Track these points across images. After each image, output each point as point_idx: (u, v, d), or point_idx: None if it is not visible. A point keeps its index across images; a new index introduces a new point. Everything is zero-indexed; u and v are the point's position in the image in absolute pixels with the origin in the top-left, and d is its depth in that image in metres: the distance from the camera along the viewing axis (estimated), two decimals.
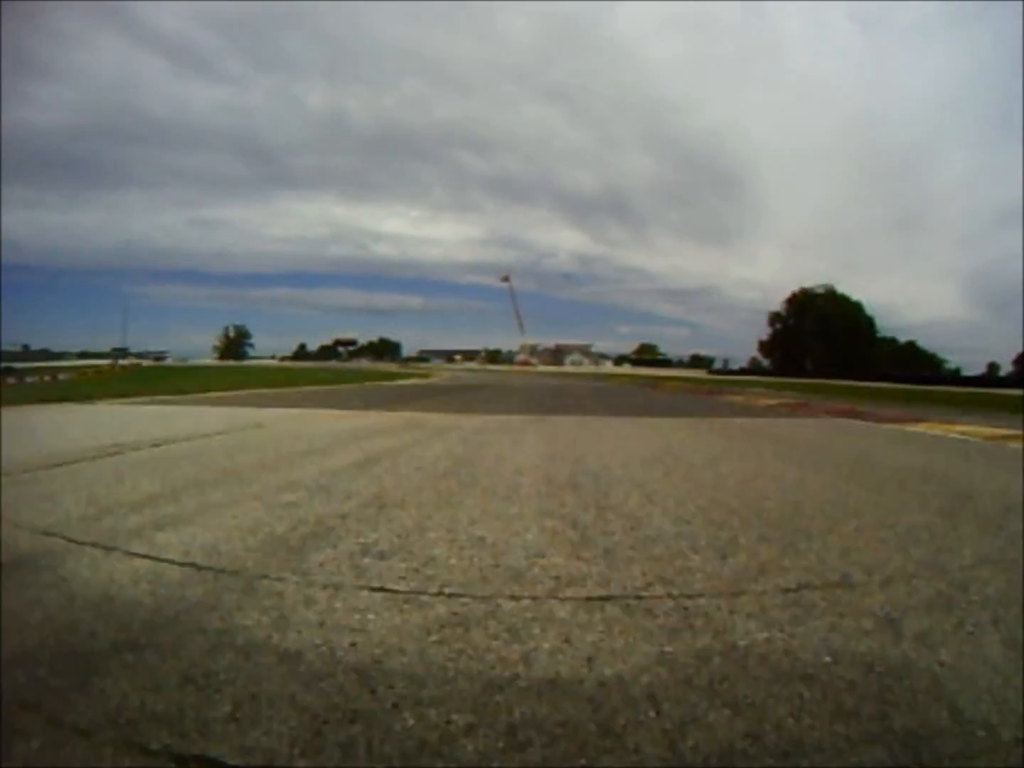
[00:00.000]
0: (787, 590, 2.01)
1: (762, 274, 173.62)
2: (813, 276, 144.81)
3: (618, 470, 4.25)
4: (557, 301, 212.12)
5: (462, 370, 59.38)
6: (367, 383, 22.63)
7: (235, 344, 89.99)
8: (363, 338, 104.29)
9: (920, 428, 8.31)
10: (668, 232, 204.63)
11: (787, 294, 64.78)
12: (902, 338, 62.91)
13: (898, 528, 2.82)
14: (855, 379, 41.66)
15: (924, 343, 72.25)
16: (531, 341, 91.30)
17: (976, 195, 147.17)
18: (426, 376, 34.33)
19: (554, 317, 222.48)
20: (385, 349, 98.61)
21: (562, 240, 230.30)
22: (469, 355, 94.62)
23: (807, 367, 56.75)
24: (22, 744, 1.16)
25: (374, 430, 6.70)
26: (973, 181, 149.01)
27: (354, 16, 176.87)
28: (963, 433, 7.56)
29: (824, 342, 56.37)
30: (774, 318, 65.07)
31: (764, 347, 69.29)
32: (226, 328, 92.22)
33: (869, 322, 60.12)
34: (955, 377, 50.95)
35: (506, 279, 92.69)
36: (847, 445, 6.41)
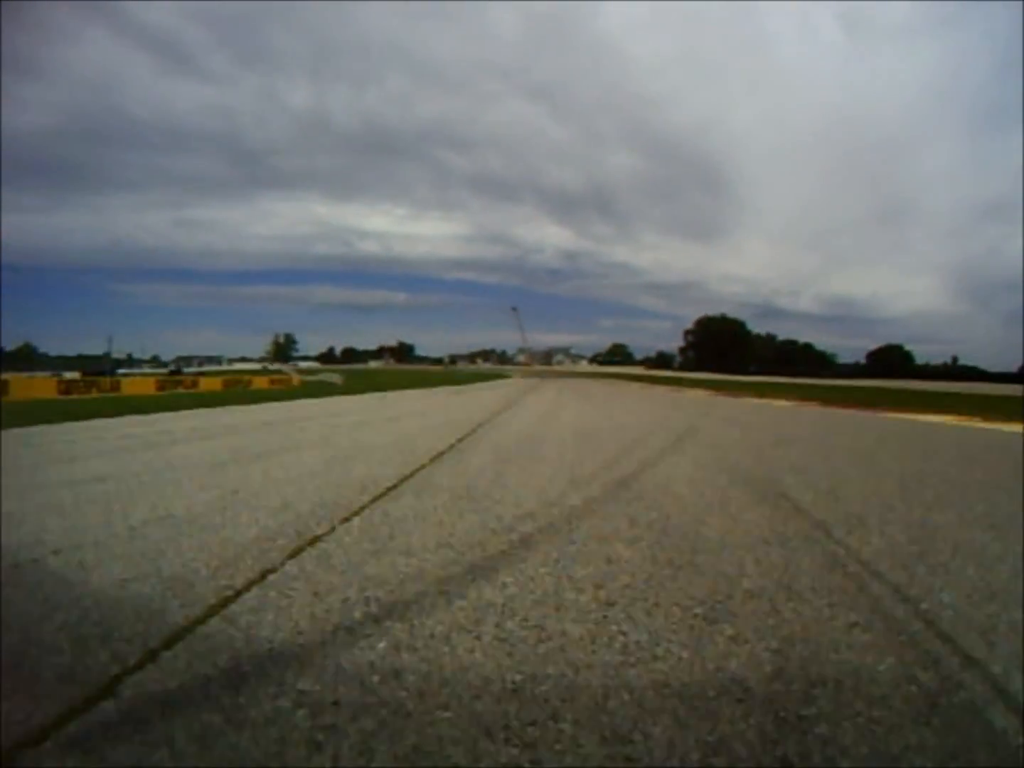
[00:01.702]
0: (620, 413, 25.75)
1: (746, 268, 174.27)
2: (797, 269, 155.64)
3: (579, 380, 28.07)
4: (542, 296, 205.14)
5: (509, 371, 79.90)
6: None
7: (284, 349, 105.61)
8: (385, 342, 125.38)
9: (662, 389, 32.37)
10: (652, 227, 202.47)
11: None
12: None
13: (630, 399, 26.61)
14: (732, 374, 67.43)
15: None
16: (528, 345, 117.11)
17: (959, 190, 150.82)
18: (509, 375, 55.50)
19: (539, 311, 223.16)
20: (404, 352, 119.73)
21: (547, 236, 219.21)
22: (485, 356, 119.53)
23: (709, 365, 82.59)
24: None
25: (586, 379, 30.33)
26: (956, 177, 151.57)
27: (339, 13, 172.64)
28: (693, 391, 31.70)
29: (717, 349, 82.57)
30: (687, 333, 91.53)
31: (682, 352, 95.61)
32: (276, 335, 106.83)
33: (748, 335, 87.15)
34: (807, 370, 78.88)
35: (514, 309, 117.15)
36: (631, 388, 30.37)
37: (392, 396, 18.83)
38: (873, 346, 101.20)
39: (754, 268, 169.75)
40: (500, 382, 33.95)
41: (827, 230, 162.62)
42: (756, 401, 18.16)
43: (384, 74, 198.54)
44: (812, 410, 14.42)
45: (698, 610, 2.08)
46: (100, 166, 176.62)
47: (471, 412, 11.93)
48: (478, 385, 30.54)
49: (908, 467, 5.36)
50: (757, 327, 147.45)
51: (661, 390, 26.34)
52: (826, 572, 2.47)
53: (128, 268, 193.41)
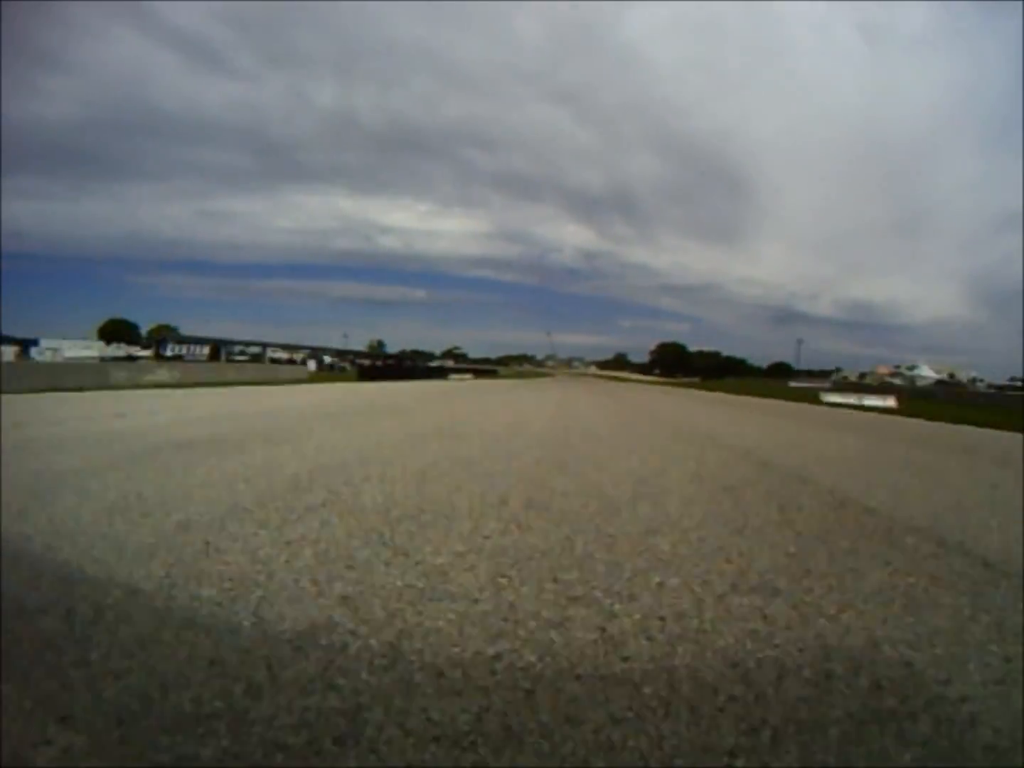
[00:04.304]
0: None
1: (764, 271, 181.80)
2: (815, 274, 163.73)
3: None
4: (561, 295, 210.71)
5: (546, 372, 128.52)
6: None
7: (377, 351, 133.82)
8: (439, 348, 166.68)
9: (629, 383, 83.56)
10: (672, 229, 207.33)
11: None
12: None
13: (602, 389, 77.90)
14: (673, 378, 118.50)
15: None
16: (555, 354, 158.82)
17: (977, 199, 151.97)
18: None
19: (558, 310, 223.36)
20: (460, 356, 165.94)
21: (567, 236, 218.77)
22: (527, 360, 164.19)
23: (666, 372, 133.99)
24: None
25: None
26: (974, 186, 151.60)
27: (366, 14, 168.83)
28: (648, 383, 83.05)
29: (669, 362, 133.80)
30: (651, 353, 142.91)
31: (650, 365, 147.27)
32: (371, 341, 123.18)
33: (687, 353, 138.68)
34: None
35: (548, 334, 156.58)
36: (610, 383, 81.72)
37: (552, 378, 69.10)
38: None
39: (773, 272, 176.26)
40: (561, 378, 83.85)
41: (846, 236, 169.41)
42: (644, 385, 68.41)
43: (410, 76, 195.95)
44: (651, 384, 64.88)
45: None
46: (125, 156, 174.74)
47: (590, 384, 62.44)
48: (556, 379, 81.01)
49: (622, 390, 56.20)
50: (775, 330, 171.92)
51: (621, 384, 76.79)
52: (610, 390, 53.18)
53: (146, 259, 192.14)
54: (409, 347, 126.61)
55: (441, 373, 58.52)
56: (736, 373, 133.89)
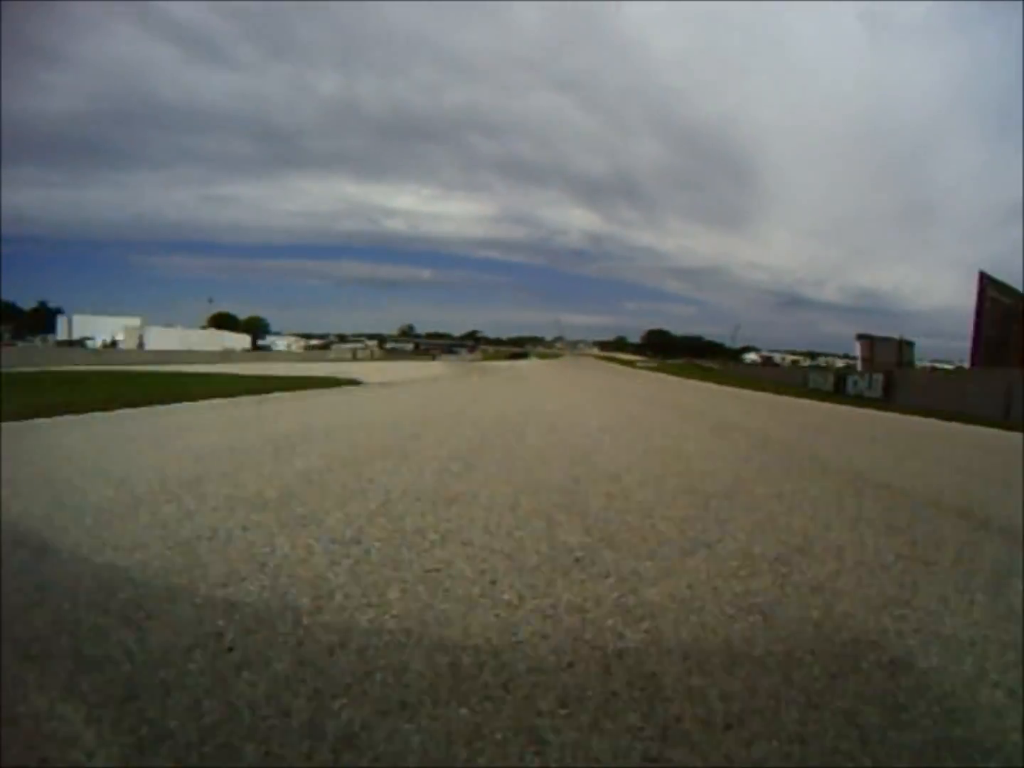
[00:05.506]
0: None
1: (770, 256, 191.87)
2: (821, 260, 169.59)
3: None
4: (568, 276, 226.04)
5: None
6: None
7: (407, 333, 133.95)
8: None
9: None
10: (678, 214, 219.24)
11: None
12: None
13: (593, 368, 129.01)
14: (657, 358, 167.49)
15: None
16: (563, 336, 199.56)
17: (982, 188, 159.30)
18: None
19: (565, 292, 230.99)
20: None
21: (573, 219, 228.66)
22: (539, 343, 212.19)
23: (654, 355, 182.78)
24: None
25: None
26: (979, 175, 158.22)
27: (367, 7, 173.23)
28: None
29: (657, 345, 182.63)
30: (642, 337, 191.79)
31: (642, 347, 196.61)
32: (403, 325, 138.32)
33: (672, 337, 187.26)
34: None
35: (558, 320, 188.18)
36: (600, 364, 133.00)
37: (563, 358, 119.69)
38: None
39: (779, 257, 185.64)
40: (569, 358, 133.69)
41: (851, 223, 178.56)
42: (615, 364, 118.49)
43: (412, 65, 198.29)
44: (619, 363, 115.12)
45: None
46: (128, 146, 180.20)
47: (588, 360, 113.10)
48: (565, 358, 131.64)
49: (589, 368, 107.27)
50: (781, 315, 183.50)
51: (611, 363, 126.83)
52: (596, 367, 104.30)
53: (151, 241, 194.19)
54: (422, 328, 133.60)
55: (525, 355, 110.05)
56: (708, 355, 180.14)
